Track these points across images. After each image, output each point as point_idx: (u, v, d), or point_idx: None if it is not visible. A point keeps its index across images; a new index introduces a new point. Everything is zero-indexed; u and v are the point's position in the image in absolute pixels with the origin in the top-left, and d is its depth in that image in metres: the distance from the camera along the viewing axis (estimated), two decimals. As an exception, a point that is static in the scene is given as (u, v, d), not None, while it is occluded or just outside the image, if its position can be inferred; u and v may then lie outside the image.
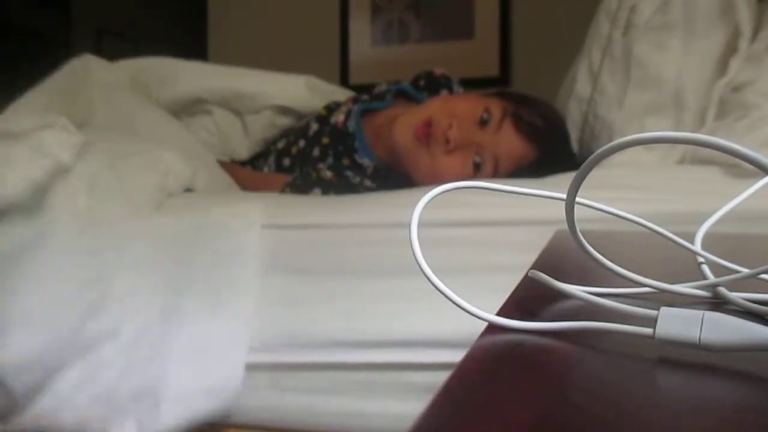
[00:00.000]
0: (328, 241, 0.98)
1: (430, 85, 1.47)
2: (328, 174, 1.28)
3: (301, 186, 1.26)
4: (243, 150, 1.47)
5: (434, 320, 0.87)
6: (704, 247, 0.35)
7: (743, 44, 1.14)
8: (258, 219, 1.00)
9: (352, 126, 1.31)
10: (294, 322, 0.93)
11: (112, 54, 2.90)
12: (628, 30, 1.24)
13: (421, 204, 0.27)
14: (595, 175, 0.92)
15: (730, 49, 1.17)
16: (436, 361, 0.87)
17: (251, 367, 0.93)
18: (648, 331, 0.22)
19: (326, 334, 0.91)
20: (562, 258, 0.43)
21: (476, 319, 0.25)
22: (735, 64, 1.13)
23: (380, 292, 0.92)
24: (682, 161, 1.11)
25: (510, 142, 1.17)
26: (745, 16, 1.15)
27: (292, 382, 0.92)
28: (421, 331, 0.88)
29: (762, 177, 0.36)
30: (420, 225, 0.27)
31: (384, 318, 0.90)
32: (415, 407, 0.88)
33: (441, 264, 0.96)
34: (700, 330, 0.20)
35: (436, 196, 0.28)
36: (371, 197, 1.10)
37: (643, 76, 1.20)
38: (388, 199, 1.05)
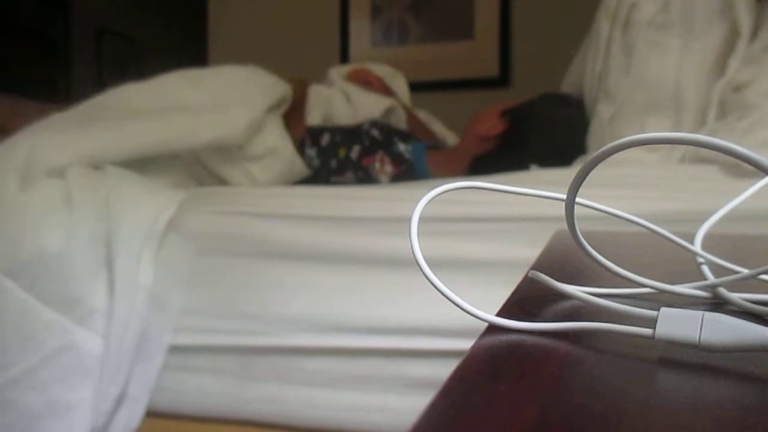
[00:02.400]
0: (332, 231, 0.99)
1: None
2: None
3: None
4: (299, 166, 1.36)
5: (435, 310, 0.88)
6: (704, 247, 0.35)
7: (741, 44, 1.14)
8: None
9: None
10: (296, 307, 0.94)
11: (112, 54, 2.91)
12: (628, 28, 1.25)
13: (421, 203, 0.27)
14: (595, 175, 0.92)
15: (729, 48, 1.17)
16: (436, 349, 0.88)
17: (252, 351, 0.95)
18: (648, 331, 0.22)
19: (330, 319, 0.92)
20: (562, 258, 0.43)
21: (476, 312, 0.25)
22: (734, 63, 1.13)
23: (383, 281, 0.93)
24: (682, 161, 1.11)
25: None
26: (744, 16, 1.15)
27: (293, 375, 0.93)
28: (423, 320, 0.89)
29: (762, 177, 0.36)
30: (422, 220, 0.27)
31: (387, 306, 0.91)
32: (414, 402, 0.88)
33: (443, 259, 0.97)
34: (700, 330, 0.20)
35: (437, 195, 0.28)
36: (376, 192, 1.11)
37: (643, 76, 1.20)
38: (393, 194, 1.06)
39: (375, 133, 1.36)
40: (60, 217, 0.98)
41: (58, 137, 1.08)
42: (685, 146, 1.10)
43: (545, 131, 1.31)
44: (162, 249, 1.00)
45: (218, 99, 1.30)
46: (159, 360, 0.95)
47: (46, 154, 1.04)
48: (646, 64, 1.20)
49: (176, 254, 1.00)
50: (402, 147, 1.36)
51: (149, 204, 1.01)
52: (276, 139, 1.30)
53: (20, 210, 0.98)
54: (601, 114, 1.26)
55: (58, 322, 0.92)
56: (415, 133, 1.54)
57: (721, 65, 1.17)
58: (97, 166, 1.10)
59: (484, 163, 1.36)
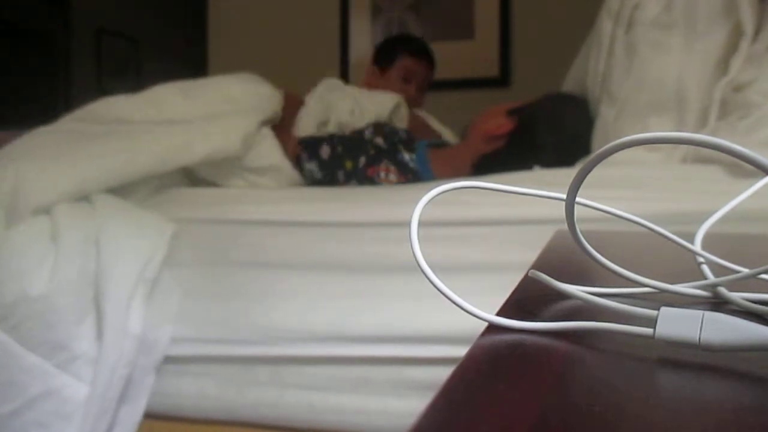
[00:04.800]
0: (329, 238, 0.99)
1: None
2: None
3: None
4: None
5: (434, 317, 0.88)
6: (704, 247, 0.35)
7: (744, 44, 1.14)
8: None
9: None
10: (293, 316, 0.94)
11: (112, 54, 2.91)
12: (631, 28, 1.24)
13: (421, 204, 0.27)
14: (595, 175, 0.92)
15: (732, 48, 1.17)
16: (435, 356, 0.88)
17: (252, 360, 0.94)
18: (648, 331, 0.22)
19: (328, 329, 0.92)
20: (562, 258, 0.43)
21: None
22: (736, 63, 1.13)
23: (381, 288, 0.93)
24: (684, 161, 1.11)
25: None
26: (747, 15, 1.14)
27: (293, 379, 0.93)
28: (422, 328, 0.89)
29: (762, 177, 0.36)
30: (421, 224, 0.27)
31: (384, 314, 0.91)
32: (414, 404, 0.88)
33: (442, 262, 0.97)
34: (700, 330, 0.20)
35: (436, 196, 0.28)
36: (372, 195, 1.10)
37: (645, 76, 1.20)
38: (389, 196, 1.05)
39: (379, 141, 1.33)
40: (46, 258, 0.94)
41: (46, 173, 1.03)
42: (686, 146, 1.09)
43: (554, 131, 1.30)
44: (152, 288, 0.97)
45: (211, 111, 1.27)
46: (143, 401, 0.93)
47: (32, 192, 1.00)
48: (649, 64, 1.20)
49: (165, 293, 0.98)
50: (407, 156, 1.32)
51: (141, 247, 0.97)
52: (274, 155, 1.27)
53: (4, 250, 0.95)
54: (605, 115, 1.25)
55: (40, 366, 0.90)
56: (417, 131, 1.53)
57: (724, 65, 1.16)
58: (86, 196, 1.06)
59: (490, 163, 1.35)
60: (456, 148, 1.42)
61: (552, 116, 1.31)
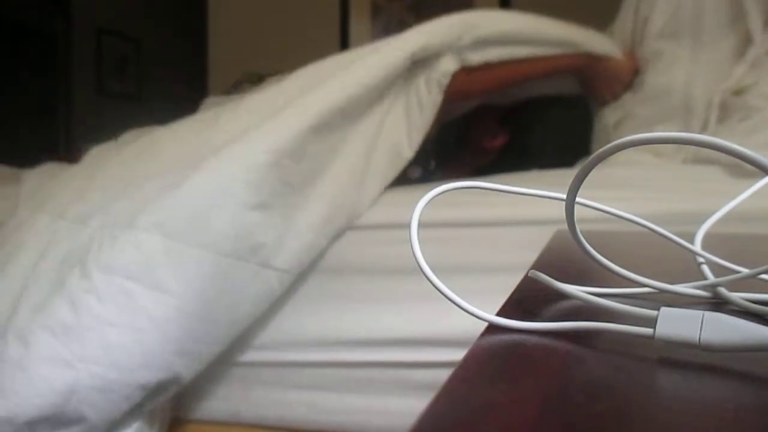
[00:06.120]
0: (330, 242, 0.99)
1: None
2: None
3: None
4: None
5: (435, 320, 0.87)
6: (704, 247, 0.35)
7: (752, 51, 1.14)
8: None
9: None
10: (297, 321, 0.94)
11: (112, 54, 2.91)
12: (642, 43, 1.25)
13: (421, 204, 0.27)
14: (595, 176, 0.92)
15: (738, 56, 1.17)
16: (436, 360, 0.87)
17: (255, 365, 0.94)
18: (648, 331, 0.22)
19: (329, 333, 0.92)
20: (562, 258, 0.43)
21: (476, 319, 0.25)
22: (739, 69, 1.14)
23: (382, 291, 0.93)
24: (684, 163, 1.12)
25: None
26: (757, 24, 1.15)
27: (295, 379, 0.93)
28: (422, 331, 0.88)
29: (762, 177, 0.36)
30: (420, 225, 0.27)
31: (385, 317, 0.90)
32: (416, 404, 0.88)
33: (441, 264, 0.96)
34: (700, 330, 0.20)
35: (436, 196, 0.28)
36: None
37: (652, 86, 1.20)
38: (388, 198, 1.05)
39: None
40: None
41: None
42: (687, 151, 1.10)
43: (552, 135, 1.29)
44: None
45: None
46: None
47: None
48: (657, 76, 1.20)
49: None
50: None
51: None
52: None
53: None
54: (606, 119, 1.26)
55: None
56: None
57: (729, 74, 1.17)
58: None
59: (487, 172, 1.33)
60: (454, 167, 1.40)
61: (548, 120, 1.30)
